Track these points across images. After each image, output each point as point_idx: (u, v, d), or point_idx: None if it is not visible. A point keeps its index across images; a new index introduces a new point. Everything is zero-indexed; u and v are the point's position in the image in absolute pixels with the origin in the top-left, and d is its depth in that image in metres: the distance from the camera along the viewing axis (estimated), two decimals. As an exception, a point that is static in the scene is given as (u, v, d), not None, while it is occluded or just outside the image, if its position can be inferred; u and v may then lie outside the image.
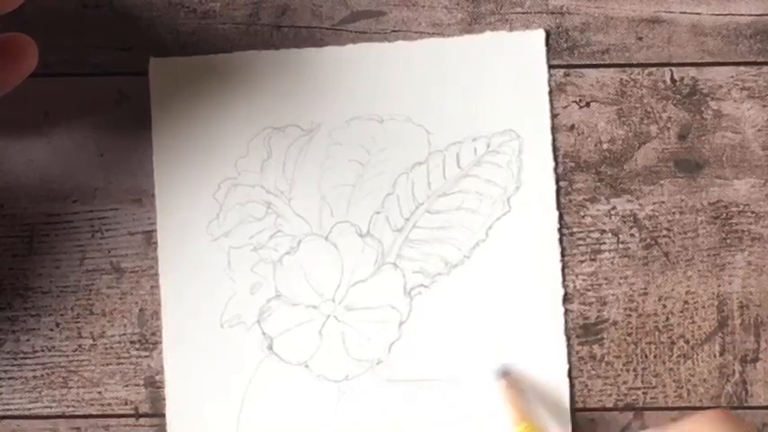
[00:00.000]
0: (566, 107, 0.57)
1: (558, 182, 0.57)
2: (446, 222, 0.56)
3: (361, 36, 0.57)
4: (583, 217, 0.57)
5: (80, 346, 0.57)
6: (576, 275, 0.56)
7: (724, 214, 0.56)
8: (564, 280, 0.56)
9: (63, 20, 0.57)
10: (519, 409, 0.54)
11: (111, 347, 0.57)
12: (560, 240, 0.56)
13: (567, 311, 0.56)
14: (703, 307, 0.56)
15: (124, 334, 0.57)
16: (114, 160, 0.57)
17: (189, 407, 0.56)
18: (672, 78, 0.57)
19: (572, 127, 0.57)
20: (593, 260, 0.56)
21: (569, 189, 0.57)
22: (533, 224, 0.56)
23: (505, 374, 0.55)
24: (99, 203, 0.57)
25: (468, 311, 0.56)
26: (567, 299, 0.56)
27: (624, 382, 0.56)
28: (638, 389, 0.56)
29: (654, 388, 0.56)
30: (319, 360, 0.56)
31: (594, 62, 0.57)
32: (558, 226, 0.56)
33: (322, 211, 0.57)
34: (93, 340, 0.57)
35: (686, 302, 0.56)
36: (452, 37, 0.57)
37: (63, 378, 0.57)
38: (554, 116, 0.57)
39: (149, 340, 0.57)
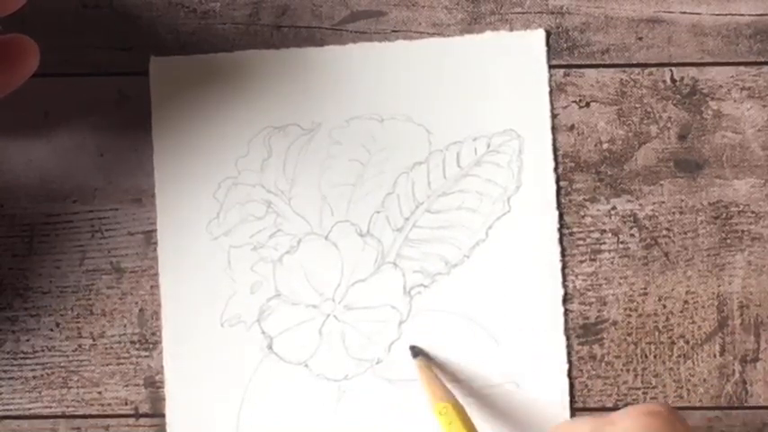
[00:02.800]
0: (566, 107, 0.57)
1: (558, 182, 0.57)
2: (446, 222, 0.56)
3: (361, 36, 0.57)
4: (583, 217, 0.57)
5: (80, 346, 0.57)
6: (576, 275, 0.56)
7: (724, 214, 0.56)
8: (564, 280, 0.56)
9: (63, 20, 0.58)
10: (437, 388, 0.53)
11: (111, 347, 0.57)
12: (560, 240, 0.56)
13: (567, 311, 0.56)
14: (703, 307, 0.56)
15: (124, 334, 0.57)
16: (114, 160, 0.57)
17: (189, 407, 0.56)
18: (672, 78, 0.57)
19: (572, 127, 0.57)
20: (593, 260, 0.56)
21: (569, 189, 0.57)
22: (533, 224, 0.56)
23: (419, 354, 0.55)
24: (99, 203, 0.57)
25: (468, 311, 0.56)
26: (567, 299, 0.56)
27: (624, 382, 0.56)
28: (638, 389, 0.56)
29: (654, 388, 0.56)
30: (319, 359, 0.56)
31: (594, 62, 0.57)
32: (558, 226, 0.56)
33: (322, 210, 0.57)
34: (93, 340, 0.57)
35: (686, 302, 0.56)
36: (452, 37, 0.57)
37: (63, 378, 0.57)
38: (554, 116, 0.57)
39: (149, 340, 0.57)
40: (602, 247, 0.56)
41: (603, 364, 0.56)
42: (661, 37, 0.57)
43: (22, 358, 0.57)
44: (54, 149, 0.57)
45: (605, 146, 0.57)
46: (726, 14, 0.57)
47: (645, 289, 0.56)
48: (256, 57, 0.57)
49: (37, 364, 0.57)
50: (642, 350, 0.56)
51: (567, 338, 0.56)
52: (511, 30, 0.57)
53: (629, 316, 0.56)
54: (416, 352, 0.55)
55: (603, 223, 0.57)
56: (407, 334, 0.56)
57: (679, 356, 0.56)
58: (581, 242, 0.56)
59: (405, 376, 0.56)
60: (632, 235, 0.56)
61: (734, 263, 0.56)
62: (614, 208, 0.57)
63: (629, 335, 0.56)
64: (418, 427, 0.56)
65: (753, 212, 0.56)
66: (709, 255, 0.56)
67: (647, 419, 0.45)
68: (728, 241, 0.56)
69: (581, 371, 0.56)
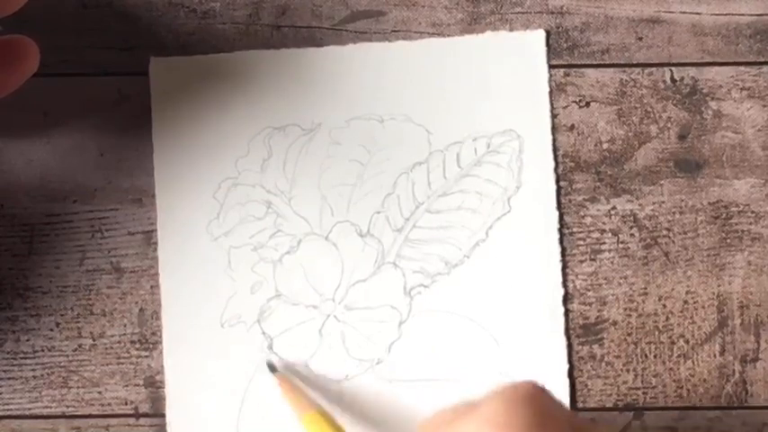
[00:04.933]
0: (566, 107, 0.57)
1: (558, 182, 0.57)
2: (446, 222, 0.56)
3: (361, 36, 0.57)
4: (583, 217, 0.57)
5: (80, 346, 0.57)
6: (576, 275, 0.56)
7: (724, 214, 0.56)
8: (564, 280, 0.56)
9: (63, 20, 0.57)
10: (300, 399, 0.53)
11: (111, 347, 0.57)
12: (560, 240, 0.56)
13: (567, 311, 0.56)
14: (703, 307, 0.56)
15: (124, 334, 0.57)
16: (114, 160, 0.57)
17: (189, 407, 0.56)
18: (672, 78, 0.57)
19: (572, 127, 0.57)
20: (593, 260, 0.56)
21: (569, 189, 0.57)
22: (533, 224, 0.56)
23: (275, 370, 0.55)
24: (99, 203, 0.57)
25: (468, 311, 0.56)
26: (567, 299, 0.56)
27: (624, 382, 0.56)
28: (638, 389, 0.56)
29: (654, 388, 0.56)
30: (319, 360, 0.56)
31: (594, 62, 0.57)
32: (558, 226, 0.56)
33: (322, 210, 0.57)
34: (93, 340, 0.57)
35: (686, 302, 0.56)
36: (452, 37, 0.57)
37: (63, 378, 0.57)
38: (554, 116, 0.57)
39: (149, 340, 0.57)
40: (602, 247, 0.56)
41: (603, 364, 0.56)
42: (661, 37, 0.57)
43: (22, 358, 0.57)
44: (54, 149, 0.57)
45: (605, 146, 0.57)
46: (726, 14, 0.57)
47: (645, 289, 0.56)
48: (256, 57, 0.57)
49: (37, 364, 0.57)
50: (642, 350, 0.56)
51: (567, 338, 0.56)
52: (511, 30, 0.57)
53: (629, 316, 0.56)
54: (273, 367, 0.55)
55: (603, 223, 0.57)
56: (407, 334, 0.56)
57: (679, 356, 0.56)
58: (581, 242, 0.56)
59: (405, 376, 0.56)
60: (632, 235, 0.56)
61: (734, 263, 0.56)
62: (614, 208, 0.57)
63: (629, 335, 0.56)
64: (418, 427, 0.56)
65: (753, 212, 0.56)
66: (709, 255, 0.56)
67: (508, 401, 0.42)
68: (728, 241, 0.56)
69: (581, 371, 0.56)
